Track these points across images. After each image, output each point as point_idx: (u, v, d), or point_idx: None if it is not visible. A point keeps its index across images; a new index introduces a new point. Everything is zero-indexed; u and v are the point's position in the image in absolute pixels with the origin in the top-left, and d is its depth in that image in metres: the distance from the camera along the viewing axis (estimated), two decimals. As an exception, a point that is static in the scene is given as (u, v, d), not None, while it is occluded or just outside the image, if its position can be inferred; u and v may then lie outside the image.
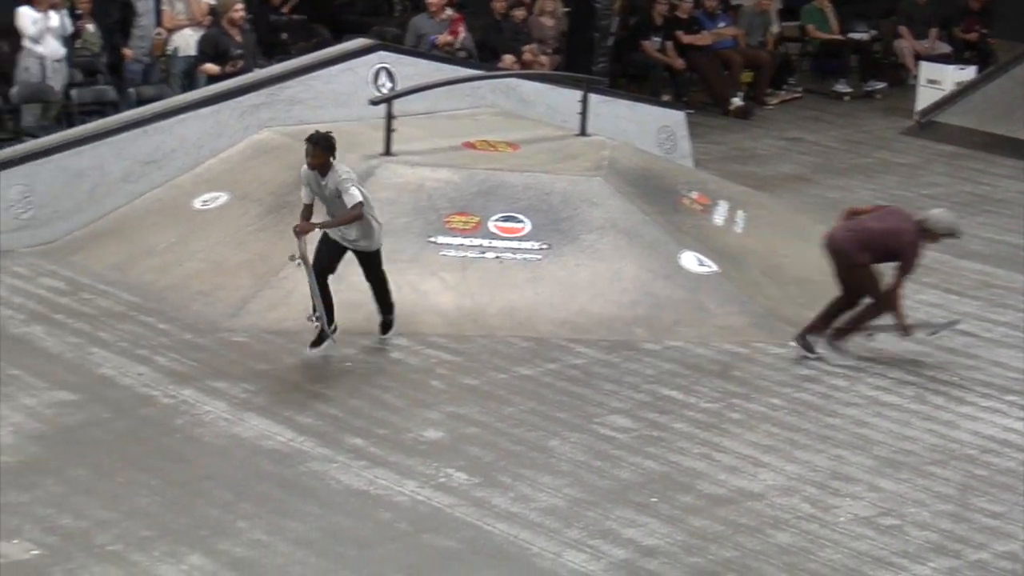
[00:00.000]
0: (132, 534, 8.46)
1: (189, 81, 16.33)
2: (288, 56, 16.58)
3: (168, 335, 11.58)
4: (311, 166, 11.00)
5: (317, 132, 11.05)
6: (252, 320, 11.86)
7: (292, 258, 11.02)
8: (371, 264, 11.35)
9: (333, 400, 10.55)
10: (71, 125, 15.04)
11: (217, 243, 12.91)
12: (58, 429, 9.85)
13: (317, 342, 11.22)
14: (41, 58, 15.94)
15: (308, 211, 11.11)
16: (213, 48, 16.21)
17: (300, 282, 12.13)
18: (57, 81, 16.06)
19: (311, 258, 11.11)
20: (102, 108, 15.91)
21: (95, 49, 16.78)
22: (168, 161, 14.12)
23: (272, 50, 17.48)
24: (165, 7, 17.01)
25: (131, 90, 16.46)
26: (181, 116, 14.35)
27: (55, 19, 15.94)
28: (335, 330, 11.19)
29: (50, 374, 10.72)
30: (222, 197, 13.57)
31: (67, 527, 8.51)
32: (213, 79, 15.72)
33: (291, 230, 11.14)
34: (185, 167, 14.11)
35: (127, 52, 16.76)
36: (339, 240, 11.13)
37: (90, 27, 16.75)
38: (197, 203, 13.61)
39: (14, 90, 15.88)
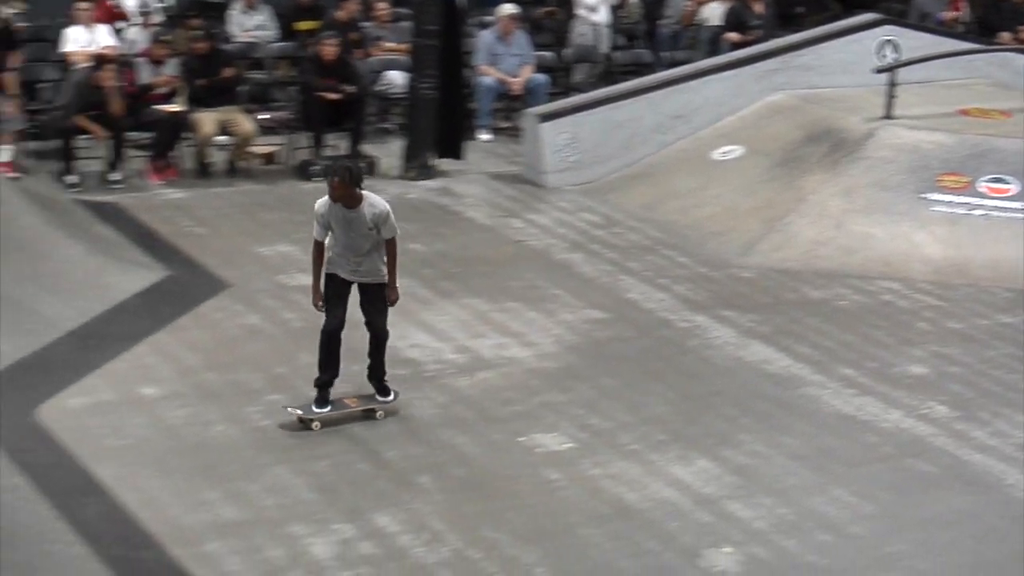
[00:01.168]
0: (650, 437, 8.58)
1: (713, 47, 16.32)
2: (801, 28, 16.32)
3: (686, 268, 11.66)
4: (334, 198, 8.41)
5: (339, 163, 8.86)
6: (759, 259, 11.80)
7: (305, 421, 8.50)
8: (381, 300, 8.66)
9: (828, 334, 10.38)
10: (612, 83, 15.29)
11: (731, 190, 12.90)
12: (591, 342, 10.07)
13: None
14: (594, 25, 16.30)
15: (323, 249, 8.58)
16: (735, 19, 16.16)
17: (802, 227, 12.03)
18: (603, 44, 16.38)
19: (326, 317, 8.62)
20: (638, 69, 16.13)
21: (635, 18, 17.00)
22: (693, 116, 14.18)
23: (788, 22, 17.25)
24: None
25: (663, 54, 16.60)
26: (706, 78, 14.41)
27: (612, -10, 16.42)
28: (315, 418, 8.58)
29: (585, 295, 10.96)
30: (738, 150, 13.54)
31: (595, 426, 8.71)
32: (734, 46, 15.68)
33: (313, 305, 8.69)
34: (707, 122, 14.14)
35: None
36: (348, 276, 8.59)
37: (633, -1, 17.02)
38: (716, 154, 13.62)
39: (568, 51, 16.28)
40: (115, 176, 13.16)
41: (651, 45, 16.87)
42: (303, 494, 7.72)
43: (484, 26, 15.86)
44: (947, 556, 7.42)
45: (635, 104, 14.10)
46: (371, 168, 13.86)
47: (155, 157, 13.47)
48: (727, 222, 12.46)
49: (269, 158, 14.13)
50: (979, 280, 11.49)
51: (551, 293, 10.94)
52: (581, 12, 16.33)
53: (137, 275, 10.81)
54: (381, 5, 15.84)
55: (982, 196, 12.14)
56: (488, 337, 10.05)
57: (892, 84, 13.11)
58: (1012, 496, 8.06)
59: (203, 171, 13.69)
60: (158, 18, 15.00)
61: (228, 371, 9.26)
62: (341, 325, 8.61)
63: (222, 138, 13.72)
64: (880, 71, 13.44)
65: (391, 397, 8.78)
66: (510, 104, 15.61)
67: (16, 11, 14.68)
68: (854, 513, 7.78)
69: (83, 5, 14.43)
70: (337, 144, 14.04)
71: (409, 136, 14.03)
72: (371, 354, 8.77)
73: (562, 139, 13.80)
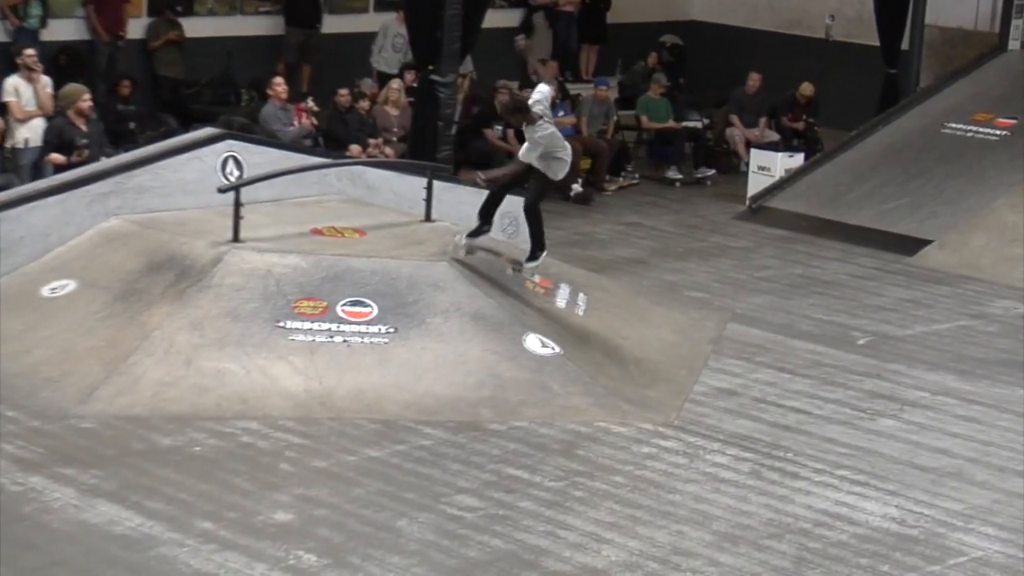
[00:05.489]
0: (-20, 623, 8.25)
1: (37, 170, 16.10)
2: (136, 145, 16.41)
3: (16, 422, 11.32)
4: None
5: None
6: (100, 407, 11.63)
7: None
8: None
9: (182, 485, 10.36)
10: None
11: (65, 330, 12.67)
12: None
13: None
14: None
15: None
16: (58, 138, 16.04)
17: (149, 367, 11.97)
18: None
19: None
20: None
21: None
22: (16, 249, 13.81)
23: (120, 139, 17.33)
24: (10, 98, 16.73)
25: (-23, 180, 16.19)
26: (28, 205, 14.06)
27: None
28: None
29: None
30: (70, 284, 13.30)
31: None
32: (60, 168, 15.53)
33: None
34: (33, 255, 13.81)
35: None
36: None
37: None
38: (45, 291, 13.32)
39: None
40: None
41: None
42: None
43: None
44: None
45: (-58, 241, 13.63)
46: None
47: None
48: (63, 366, 12.22)
49: None
50: (343, 412, 11.84)
51: None
52: None
53: None
54: None
55: (341, 321, 12.55)
56: None
57: (238, 204, 13.35)
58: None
59: None
60: None
61: None
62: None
63: None
64: (223, 191, 13.66)
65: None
66: None
67: None
68: None
69: None
70: None
71: None
72: None
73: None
